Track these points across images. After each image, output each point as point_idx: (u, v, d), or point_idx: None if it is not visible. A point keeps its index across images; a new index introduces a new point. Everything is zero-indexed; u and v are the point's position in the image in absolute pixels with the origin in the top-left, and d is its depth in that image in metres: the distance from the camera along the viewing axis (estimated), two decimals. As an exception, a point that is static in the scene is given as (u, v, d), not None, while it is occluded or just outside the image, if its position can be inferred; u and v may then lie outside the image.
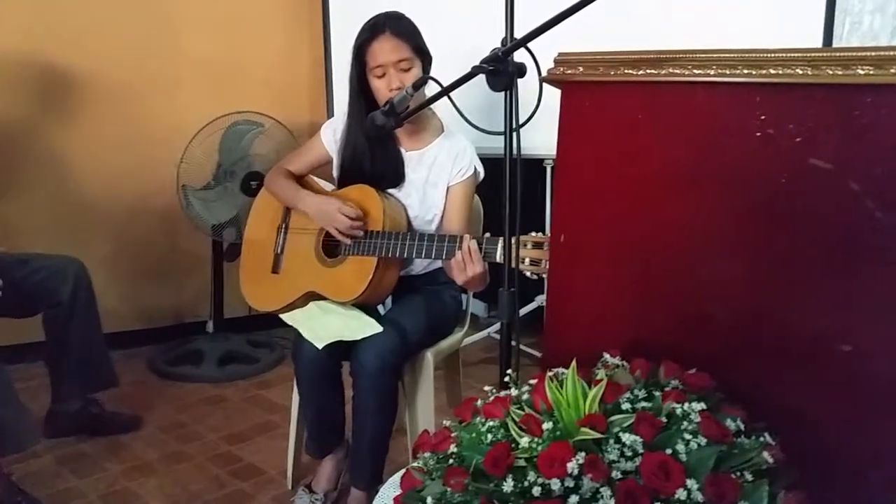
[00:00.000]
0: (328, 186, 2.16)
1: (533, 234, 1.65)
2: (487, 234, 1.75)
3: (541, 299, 3.11)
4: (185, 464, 2.33)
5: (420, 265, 2.07)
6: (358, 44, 1.92)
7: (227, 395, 2.88)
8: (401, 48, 1.89)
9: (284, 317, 1.95)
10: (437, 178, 2.00)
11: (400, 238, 1.86)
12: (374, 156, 1.99)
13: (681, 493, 0.89)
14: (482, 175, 2.04)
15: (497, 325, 2.93)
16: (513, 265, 1.46)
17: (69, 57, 3.03)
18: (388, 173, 2.00)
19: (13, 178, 2.99)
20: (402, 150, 2.02)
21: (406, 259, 1.99)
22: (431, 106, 2.03)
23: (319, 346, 1.82)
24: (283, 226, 2.12)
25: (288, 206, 2.11)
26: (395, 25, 1.90)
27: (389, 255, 1.87)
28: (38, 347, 2.43)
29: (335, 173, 2.10)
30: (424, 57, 1.95)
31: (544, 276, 1.60)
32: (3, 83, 2.92)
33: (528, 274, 1.64)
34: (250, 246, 2.19)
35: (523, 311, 3.10)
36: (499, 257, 1.67)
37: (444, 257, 1.81)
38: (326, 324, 1.87)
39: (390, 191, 2.02)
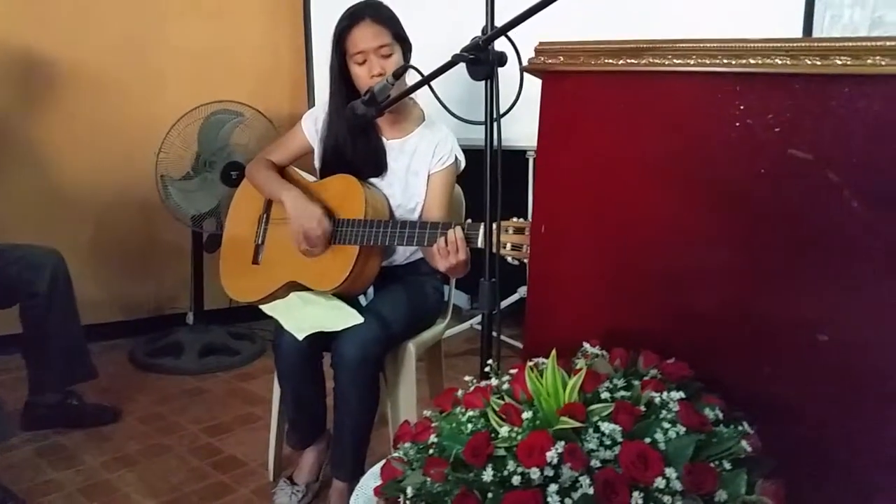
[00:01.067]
0: (310, 178, 2.14)
1: (514, 219, 1.65)
2: (469, 220, 1.75)
3: (523, 291, 3.12)
4: (165, 456, 2.31)
5: (402, 255, 2.06)
6: (338, 31, 1.92)
7: (208, 386, 2.86)
8: (381, 34, 1.88)
9: (265, 307, 1.94)
10: (418, 166, 1.99)
11: (381, 226, 1.85)
12: (355, 145, 1.98)
13: (659, 482, 0.90)
14: (463, 164, 2.04)
15: (479, 317, 2.93)
16: (494, 256, 1.45)
17: (49, 45, 2.99)
18: (370, 163, 1.99)
19: (-10, 167, 2.95)
20: (384, 140, 2.02)
21: (388, 248, 1.99)
22: (412, 95, 2.02)
23: (300, 336, 1.81)
24: (265, 217, 2.10)
25: (269, 198, 2.09)
26: (374, 12, 1.90)
27: (371, 243, 1.86)
28: (16, 339, 2.40)
29: (316, 163, 2.08)
30: (404, 44, 1.95)
31: (525, 260, 1.61)
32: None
33: (509, 259, 1.64)
34: (230, 237, 2.17)
35: (505, 302, 3.11)
36: (480, 243, 1.67)
37: (425, 244, 1.80)
38: (307, 314, 1.87)
39: (372, 180, 2.01)
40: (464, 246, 1.72)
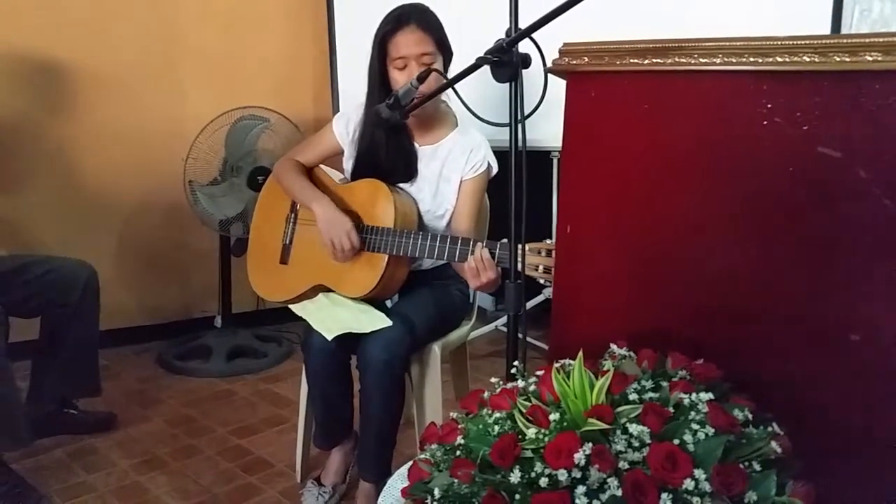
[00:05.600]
0: (336, 176, 2.14)
1: (547, 241, 1.65)
2: (504, 240, 1.74)
3: (548, 292, 3.11)
4: (194, 458, 2.34)
5: (428, 260, 2.06)
6: (382, 33, 1.89)
7: (236, 389, 2.89)
8: (425, 41, 1.87)
9: (294, 307, 1.96)
10: (450, 172, 1.99)
11: (412, 237, 1.85)
12: (388, 149, 1.98)
13: (688, 484, 0.89)
14: (495, 170, 2.02)
15: (504, 318, 2.93)
16: (519, 258, 1.45)
17: (74, 53, 3.04)
18: (401, 168, 1.99)
19: (20, 174, 3.01)
20: (416, 145, 2.01)
21: (417, 258, 1.99)
22: (447, 101, 2.02)
23: (329, 337, 1.82)
24: (292, 216, 2.11)
25: (298, 202, 2.10)
26: (421, 18, 1.88)
27: (400, 253, 1.86)
28: (22, 347, 2.31)
29: (346, 165, 2.08)
30: (446, 52, 1.93)
31: None
32: (8, 80, 2.93)
33: (541, 281, 1.65)
34: (258, 236, 2.18)
35: (530, 303, 3.10)
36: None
37: (455, 259, 1.80)
38: (336, 315, 1.88)
39: (402, 185, 2.01)
40: (491, 265, 1.73)
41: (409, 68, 1.87)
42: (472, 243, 1.76)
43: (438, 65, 1.89)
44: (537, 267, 1.64)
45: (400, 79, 1.88)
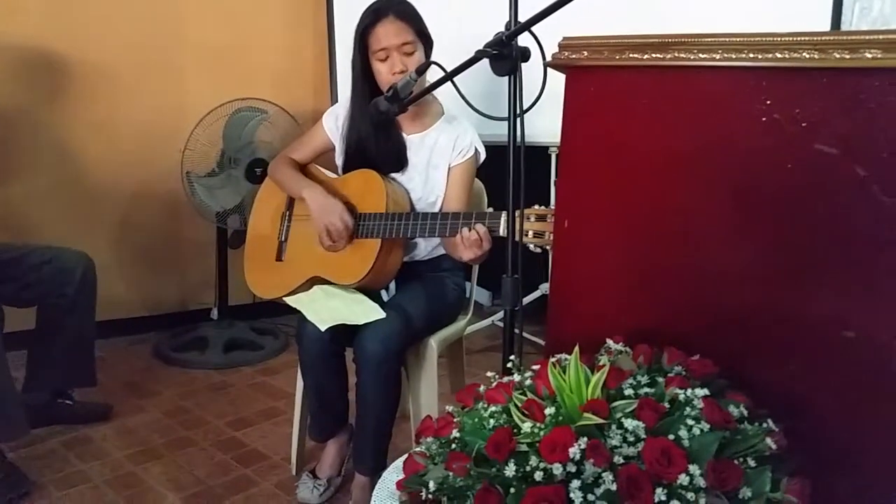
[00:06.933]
0: (332, 175, 2.15)
1: (536, 206, 1.67)
2: (491, 209, 1.76)
3: (545, 287, 3.11)
4: (190, 449, 2.34)
5: (423, 250, 2.07)
6: (361, 28, 1.93)
7: (232, 381, 2.89)
8: (404, 31, 1.89)
9: (289, 299, 1.96)
10: (438, 160, 2.00)
11: (403, 218, 1.87)
12: (377, 141, 1.99)
13: (683, 479, 0.89)
14: (483, 156, 2.05)
15: (501, 313, 2.93)
16: (517, 249, 1.45)
17: (73, 45, 3.03)
18: (391, 158, 2.01)
19: (18, 165, 3.00)
20: (404, 135, 2.03)
21: (410, 239, 2.00)
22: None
23: (322, 328, 1.82)
24: (287, 214, 2.12)
25: (291, 195, 2.10)
26: (398, 9, 1.91)
27: (393, 235, 1.88)
28: (18, 337, 2.31)
29: (338, 160, 2.10)
30: (426, 41, 1.96)
31: (548, 247, 1.62)
32: (6, 71, 2.92)
33: (531, 247, 1.66)
34: (254, 235, 2.19)
35: (527, 299, 3.10)
36: (502, 231, 1.69)
37: (447, 234, 1.82)
38: (330, 307, 1.88)
39: (393, 175, 2.02)
40: (488, 238, 1.76)
41: (391, 59, 1.90)
42: (464, 216, 1.79)
43: (420, 54, 1.92)
44: (527, 232, 1.66)
45: (383, 70, 1.91)
